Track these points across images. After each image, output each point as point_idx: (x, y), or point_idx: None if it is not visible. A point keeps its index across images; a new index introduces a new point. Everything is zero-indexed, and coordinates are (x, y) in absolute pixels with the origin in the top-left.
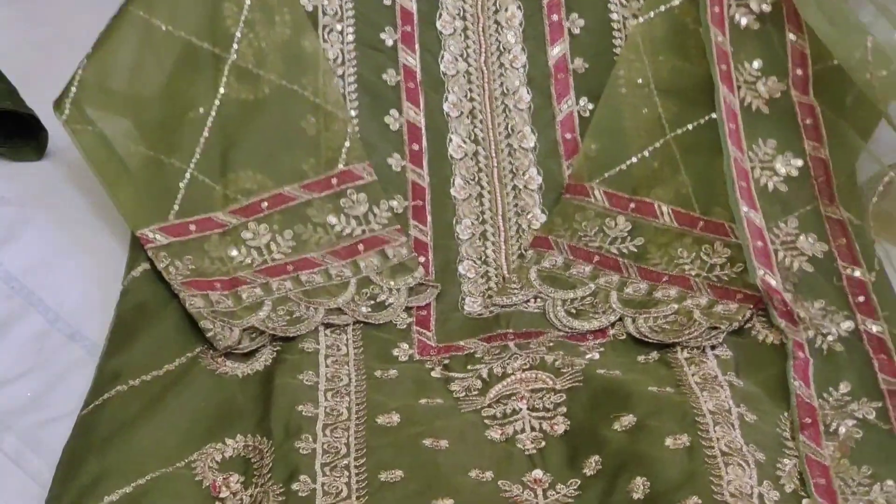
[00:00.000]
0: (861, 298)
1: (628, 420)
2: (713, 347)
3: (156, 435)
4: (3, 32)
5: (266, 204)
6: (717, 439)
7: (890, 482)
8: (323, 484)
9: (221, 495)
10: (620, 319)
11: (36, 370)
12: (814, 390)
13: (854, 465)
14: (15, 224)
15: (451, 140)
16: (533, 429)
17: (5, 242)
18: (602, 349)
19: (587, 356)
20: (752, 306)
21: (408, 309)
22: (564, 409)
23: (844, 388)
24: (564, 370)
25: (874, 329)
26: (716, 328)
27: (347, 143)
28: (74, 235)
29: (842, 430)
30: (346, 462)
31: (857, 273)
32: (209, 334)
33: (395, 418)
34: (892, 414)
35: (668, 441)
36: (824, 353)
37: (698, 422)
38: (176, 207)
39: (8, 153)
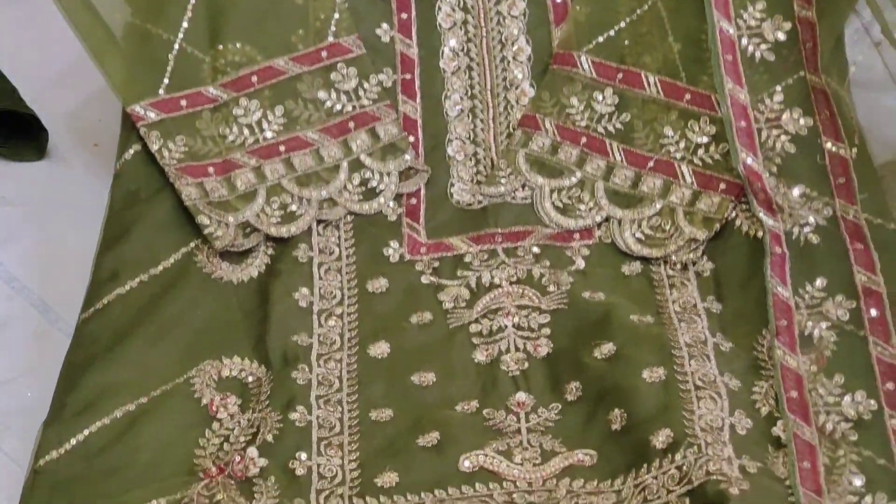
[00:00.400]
0: (842, 180)
1: (608, 348)
2: (694, 263)
3: (155, 349)
4: (3, 32)
5: (256, 78)
6: (692, 373)
7: (861, 392)
8: (318, 417)
9: (219, 416)
10: (607, 220)
11: (36, 370)
12: (790, 287)
13: (827, 376)
14: (15, 224)
15: (439, 8)
16: (517, 349)
17: (5, 242)
18: (588, 253)
19: (573, 266)
20: (734, 198)
21: (397, 199)
22: (548, 332)
23: (820, 283)
24: (551, 289)
25: (851, 215)
26: (695, 240)
27: (336, 15)
28: (74, 235)
29: (816, 333)
30: (339, 397)
31: (840, 150)
32: (206, 231)
33: (386, 348)
34: (866, 315)
35: (645, 373)
36: (801, 245)
37: (674, 354)
38: (166, 81)
39: (8, 153)
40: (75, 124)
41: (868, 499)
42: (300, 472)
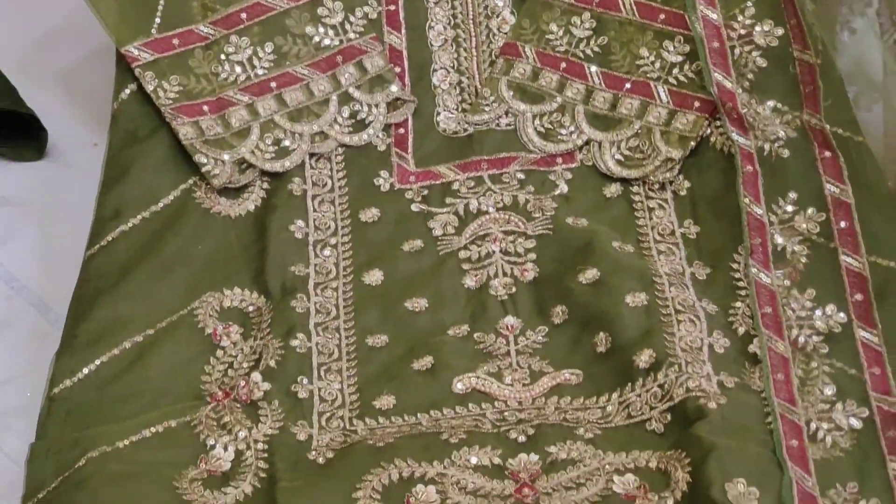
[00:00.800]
0: (810, 88)
1: (592, 274)
2: (671, 182)
3: (160, 283)
4: (3, 31)
5: (245, 15)
6: (672, 298)
7: (831, 306)
8: (317, 343)
9: (222, 343)
10: (587, 143)
11: (35, 370)
12: (764, 204)
13: (799, 290)
14: (15, 224)
15: None
16: (505, 274)
17: (5, 242)
18: (570, 177)
19: (556, 190)
20: (708, 116)
21: (386, 129)
22: (534, 256)
23: (792, 197)
24: (535, 214)
25: (815, 123)
26: (671, 159)
27: None
28: (74, 235)
29: (788, 247)
30: (336, 324)
31: (807, 56)
32: (204, 169)
33: (379, 276)
34: (835, 227)
35: (628, 299)
36: (773, 160)
37: (655, 282)
38: (158, 20)
39: (8, 153)
40: (75, 124)
41: (839, 406)
42: (302, 395)
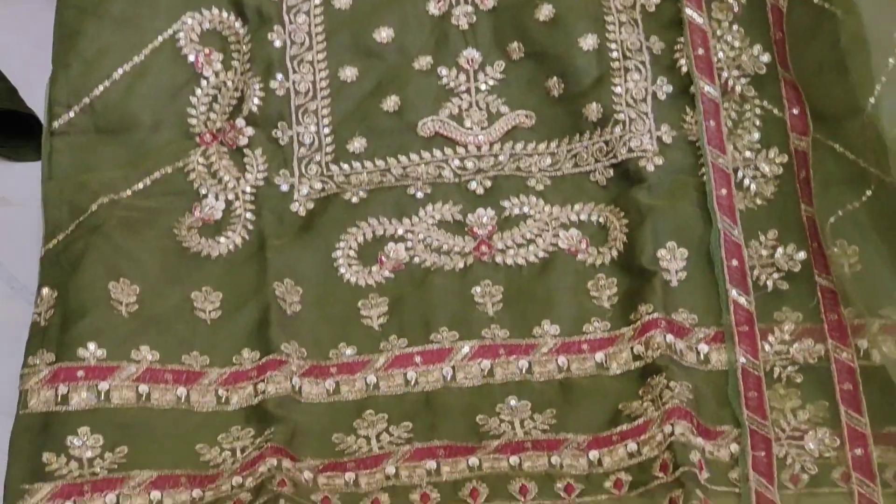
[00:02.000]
0: None
1: (547, 11)
2: None
3: (141, 2)
4: (2, 32)
5: None
6: (621, 42)
7: (758, 46)
8: (294, 82)
9: (205, 73)
10: None
11: None
12: None
13: (736, 27)
14: (15, 224)
15: None
16: (466, 1)
17: (5, 242)
18: None
19: None
20: None
21: None
22: None
23: None
24: None
25: None
26: None
27: None
28: None
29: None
30: (310, 56)
31: None
32: None
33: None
34: None
35: (581, 42)
36: None
37: (607, 21)
38: None
39: (8, 153)
40: None
41: (763, 153)
42: (283, 140)
